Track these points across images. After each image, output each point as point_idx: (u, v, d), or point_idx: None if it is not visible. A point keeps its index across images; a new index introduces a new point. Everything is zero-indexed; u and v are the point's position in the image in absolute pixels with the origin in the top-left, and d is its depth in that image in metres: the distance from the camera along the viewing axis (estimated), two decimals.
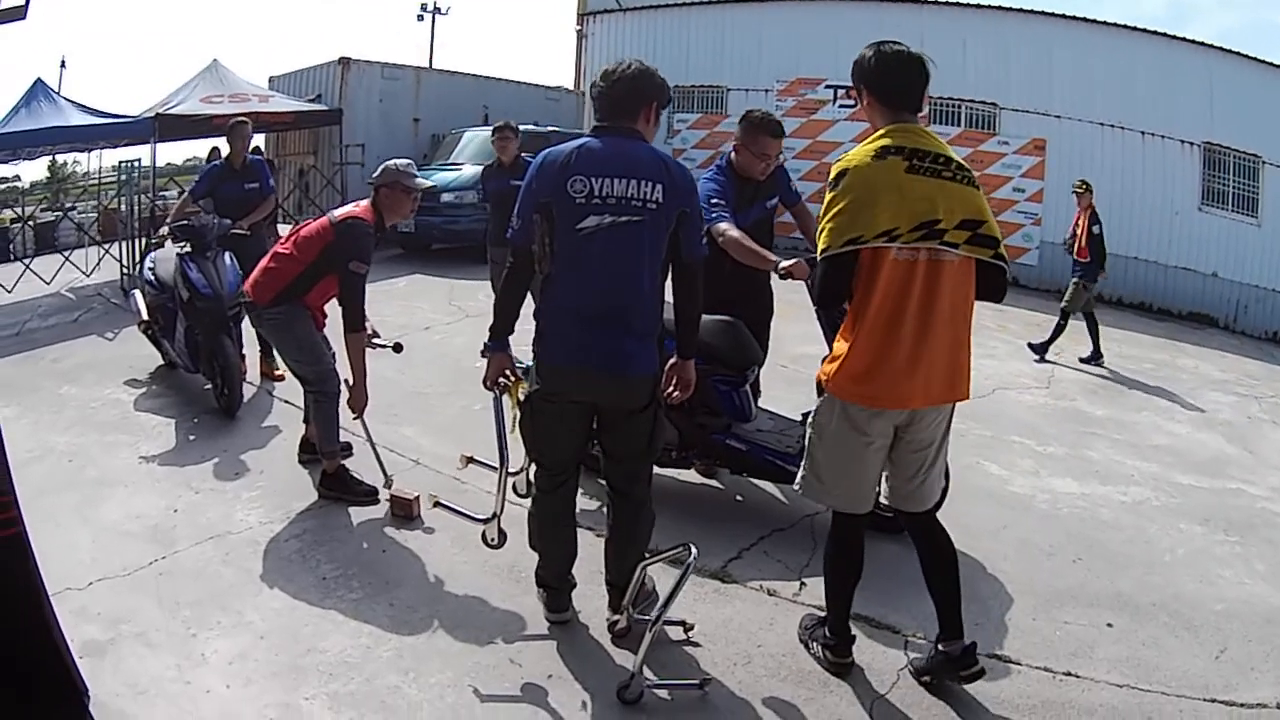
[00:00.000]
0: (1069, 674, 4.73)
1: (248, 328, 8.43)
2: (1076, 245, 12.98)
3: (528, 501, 5.14)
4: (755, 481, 6.92)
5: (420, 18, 41.67)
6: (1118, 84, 18.38)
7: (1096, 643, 5.05)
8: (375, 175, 6.63)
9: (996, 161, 20.10)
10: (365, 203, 6.59)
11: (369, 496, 6.64)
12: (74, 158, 26.37)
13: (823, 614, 4.76)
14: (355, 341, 6.34)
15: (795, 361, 9.64)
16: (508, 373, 4.93)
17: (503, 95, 23.38)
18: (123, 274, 15.01)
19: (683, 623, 4.91)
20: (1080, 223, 13.05)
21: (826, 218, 3.98)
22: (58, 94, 16.45)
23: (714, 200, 6.09)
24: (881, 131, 4.05)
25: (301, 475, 7.09)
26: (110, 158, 18.83)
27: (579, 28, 26.72)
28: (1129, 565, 6.09)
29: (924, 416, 4.19)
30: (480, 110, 22.16)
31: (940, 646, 4.46)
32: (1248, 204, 17.83)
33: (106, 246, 16.26)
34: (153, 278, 9.43)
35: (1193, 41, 18.32)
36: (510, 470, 5.49)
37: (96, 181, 19.50)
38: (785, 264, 5.56)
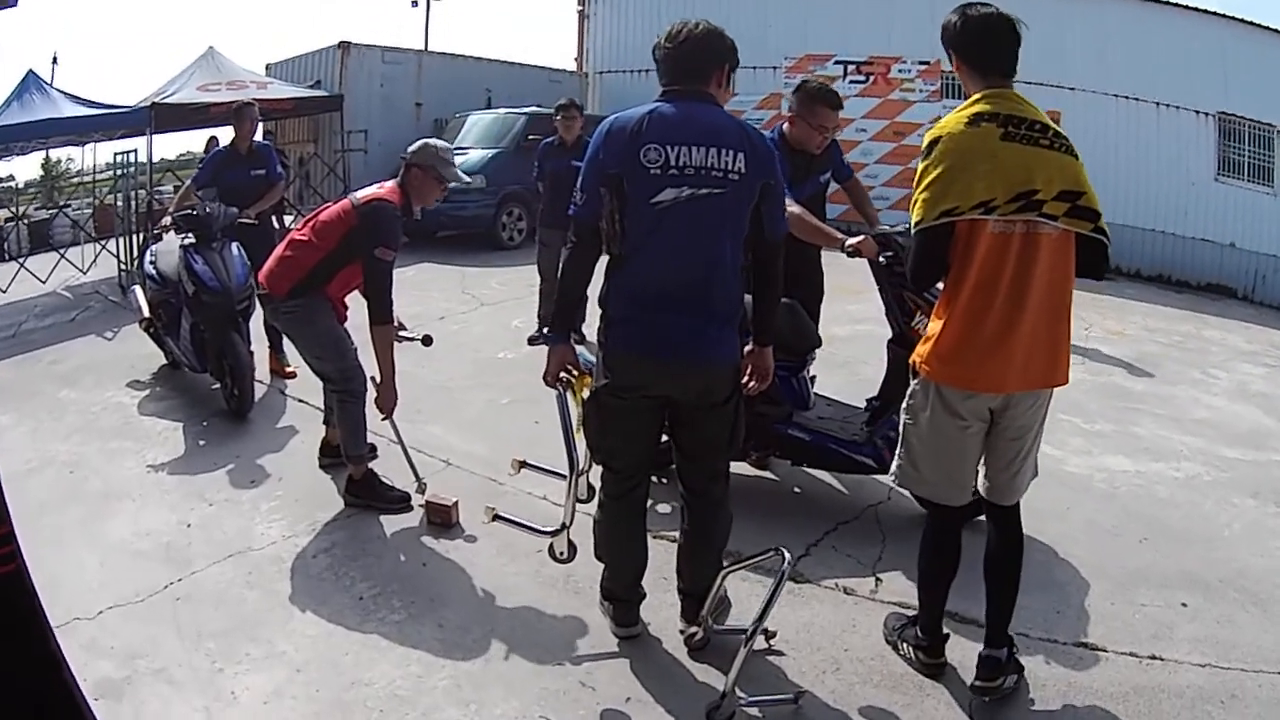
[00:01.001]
0: (1154, 657, 4.61)
1: (255, 322, 8.11)
2: None
3: (590, 506, 4.80)
4: (812, 472, 6.57)
5: (415, 3, 41.14)
6: (1132, 55, 18.14)
7: (1174, 624, 4.93)
8: (410, 151, 6.12)
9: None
10: (391, 183, 6.07)
11: (401, 503, 6.16)
12: (68, 154, 25.97)
13: (909, 612, 4.57)
14: (383, 335, 5.86)
15: (829, 343, 9.12)
16: (570, 367, 4.45)
17: (505, 78, 22.95)
18: (120, 270, 14.53)
19: (764, 630, 4.43)
20: None
21: (920, 188, 3.75)
22: (50, 86, 16.02)
23: None
24: (975, 97, 3.83)
25: (324, 481, 6.60)
26: (105, 154, 18.42)
27: (580, 8, 26.33)
28: (1192, 542, 5.95)
29: (1020, 401, 3.93)
30: (483, 93, 21.81)
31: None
32: (1264, 174, 17.64)
33: (103, 243, 15.74)
34: (154, 272, 8.94)
35: (1207, 12, 18.07)
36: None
37: (91, 178, 18.98)
38: (852, 241, 5.37)
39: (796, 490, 6.59)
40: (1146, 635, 4.78)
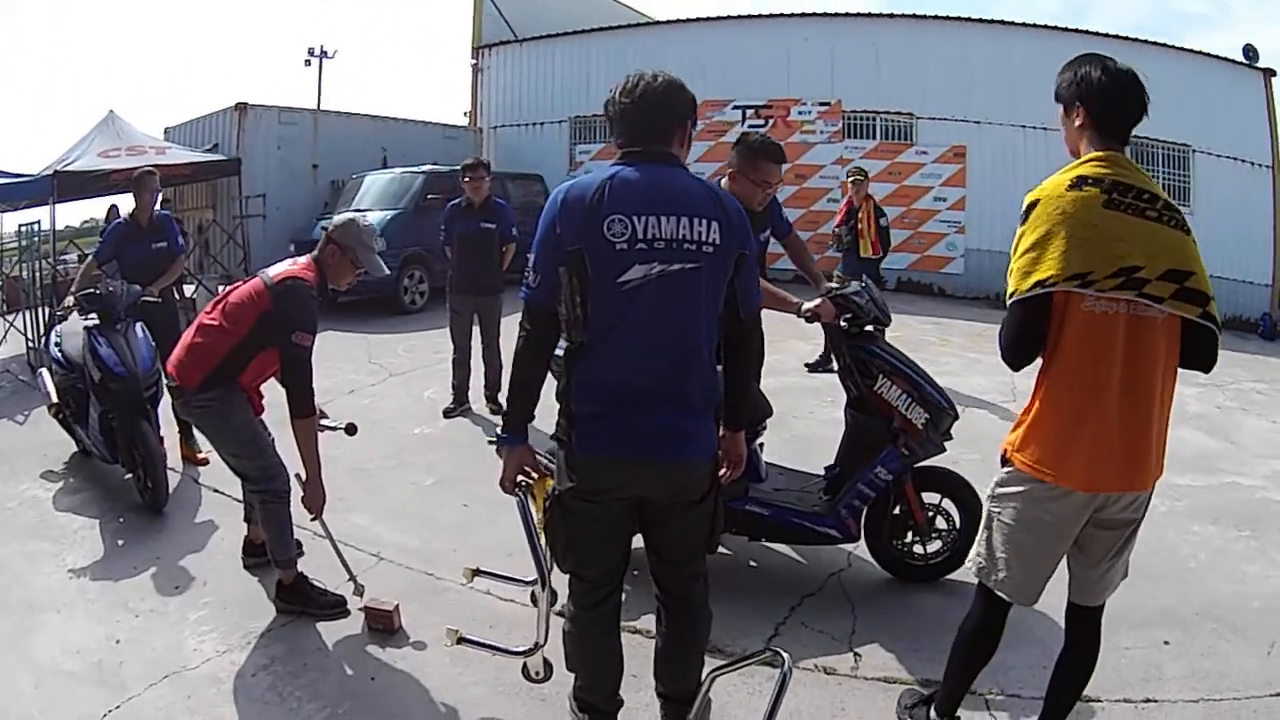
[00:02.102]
0: (1148, 700, 4.68)
1: (164, 406, 7.63)
2: (865, 242, 12.65)
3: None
4: (768, 544, 6.45)
5: (308, 63, 40.51)
6: (1037, 84, 18.01)
7: (1161, 663, 5.03)
8: (334, 225, 5.87)
9: (915, 172, 20.41)
10: (305, 259, 5.75)
11: (337, 608, 5.86)
12: None
13: (924, 690, 4.53)
14: (305, 429, 5.49)
15: None
16: (528, 469, 4.12)
17: (401, 135, 22.92)
18: (28, 348, 14.02)
19: None
20: (864, 216, 12.67)
21: (1016, 255, 3.49)
22: None
23: None
24: (1085, 158, 3.54)
25: (251, 584, 6.33)
26: (8, 224, 17.85)
27: (474, 61, 26.54)
28: (1163, 578, 6.04)
29: (1123, 498, 3.63)
30: (379, 153, 21.76)
31: None
32: (1180, 194, 18.30)
33: (10, 318, 15.08)
34: (60, 355, 8.55)
35: (1112, 36, 18.60)
36: (528, 580, 5.18)
37: None
38: (809, 305, 5.43)
39: (753, 564, 6.46)
40: (1136, 679, 4.83)
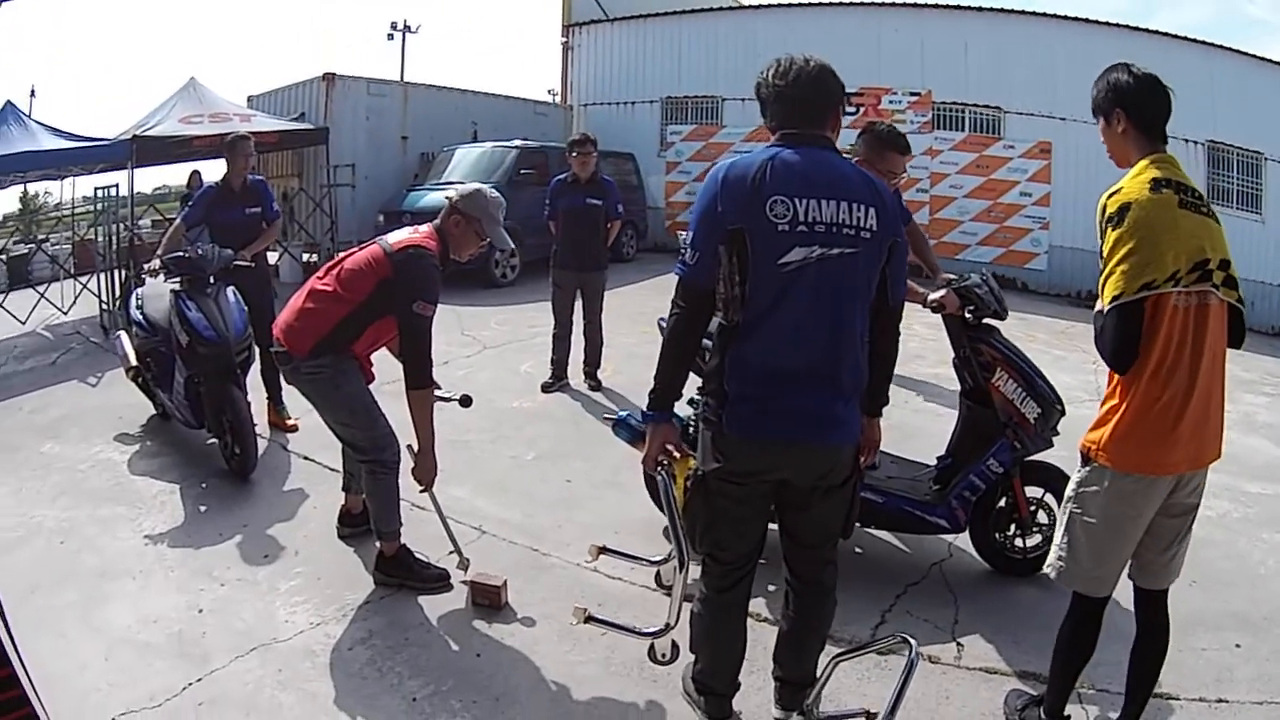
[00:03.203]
0: (1220, 700, 4.64)
1: (251, 371, 7.55)
2: None
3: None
4: (871, 531, 6.25)
5: (390, 36, 40.69)
6: None
7: (1232, 665, 4.97)
8: (460, 195, 5.54)
9: (1002, 166, 20.16)
10: (426, 228, 5.47)
11: (440, 582, 5.54)
12: (45, 188, 25.33)
13: (1031, 691, 4.46)
14: (421, 400, 5.24)
15: None
16: (671, 448, 3.95)
17: (490, 110, 22.56)
18: (101, 310, 13.85)
19: (865, 713, 4.18)
20: None
21: (1115, 259, 3.52)
22: (29, 117, 15.36)
23: None
24: (1146, 162, 3.68)
25: (347, 555, 5.96)
26: (84, 187, 17.69)
27: (564, 39, 26.11)
28: (1234, 583, 5.98)
29: (1190, 480, 3.75)
30: (469, 126, 21.45)
31: None
32: (1251, 200, 18.11)
33: (83, 280, 14.90)
34: (141, 318, 8.21)
35: (1193, 40, 18.37)
36: (654, 560, 5.10)
37: (70, 212, 18.24)
38: (935, 296, 5.44)
39: (859, 550, 6.23)
40: (1210, 679, 4.80)
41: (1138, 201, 3.51)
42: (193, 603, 5.28)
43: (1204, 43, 18.18)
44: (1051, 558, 3.96)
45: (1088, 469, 3.78)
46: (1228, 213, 17.25)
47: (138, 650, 4.79)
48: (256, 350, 5.49)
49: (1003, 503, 5.78)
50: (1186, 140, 17.72)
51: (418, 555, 5.63)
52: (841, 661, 4.10)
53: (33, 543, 6.13)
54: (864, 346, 3.71)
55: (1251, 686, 4.75)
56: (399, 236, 5.38)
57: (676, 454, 3.98)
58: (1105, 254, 3.57)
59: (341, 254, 5.62)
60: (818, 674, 4.11)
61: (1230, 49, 17.87)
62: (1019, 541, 5.85)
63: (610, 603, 5.29)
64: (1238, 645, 5.16)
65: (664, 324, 6.24)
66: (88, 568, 5.75)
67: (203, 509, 6.71)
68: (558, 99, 27.04)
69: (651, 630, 4.51)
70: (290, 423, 8.42)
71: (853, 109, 19.89)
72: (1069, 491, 3.88)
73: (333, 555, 5.95)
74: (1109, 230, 3.55)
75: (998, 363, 5.61)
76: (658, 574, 5.24)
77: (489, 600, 5.29)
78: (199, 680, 4.51)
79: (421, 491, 5.48)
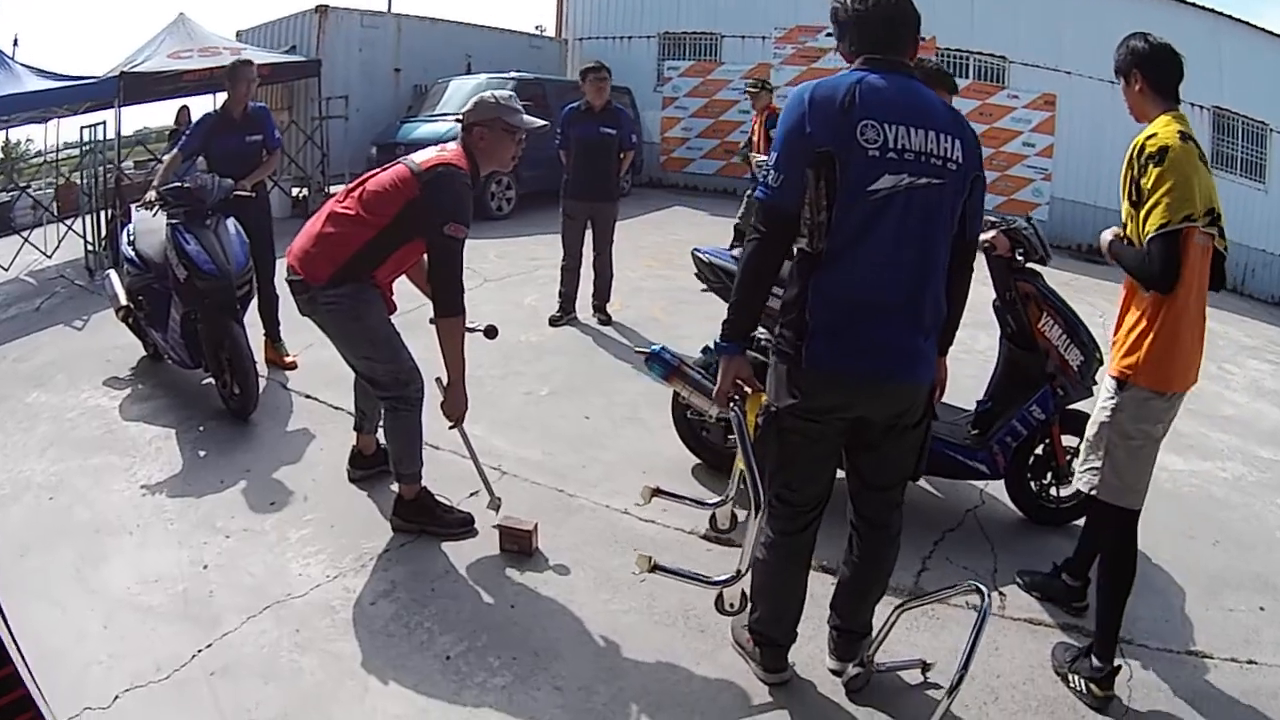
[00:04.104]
0: (1250, 661, 4.62)
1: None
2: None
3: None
4: None
5: None
6: None
7: (1259, 627, 4.95)
8: (466, 112, 5.13)
9: (1005, 115, 19.86)
10: (455, 146, 5.00)
11: (464, 527, 5.21)
12: (27, 135, 24.70)
13: (1077, 644, 4.45)
14: (451, 329, 4.84)
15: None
16: (742, 382, 3.79)
17: (484, 43, 22.24)
18: (87, 252, 13.36)
19: (921, 663, 4.15)
20: (756, 128, 12.55)
21: (1159, 192, 3.85)
22: (11, 59, 14.74)
23: None
24: (1169, 117, 4.06)
25: (360, 499, 5.58)
26: (68, 132, 17.18)
27: None
28: (1254, 545, 5.96)
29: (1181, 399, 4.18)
30: (463, 59, 21.06)
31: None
32: (1255, 169, 17.99)
33: (68, 223, 14.44)
34: (133, 254, 7.70)
35: (1201, 7, 18.24)
36: (709, 503, 4.89)
37: (55, 156, 17.75)
38: (987, 236, 5.37)
39: None
40: (1240, 640, 4.79)
41: (1174, 146, 3.85)
42: (196, 558, 4.89)
43: (1214, 11, 18.09)
44: (1087, 477, 4.20)
45: (1125, 392, 4.04)
46: (1232, 179, 17.46)
47: (140, 615, 4.40)
48: (289, 288, 4.97)
49: (1039, 450, 5.75)
50: (1192, 104, 17.33)
51: (439, 498, 5.27)
52: (906, 610, 4.01)
53: (21, 499, 5.69)
54: (944, 281, 3.62)
55: (1277, 650, 4.73)
56: (426, 155, 4.96)
57: (749, 389, 3.80)
58: (1146, 188, 3.88)
59: (363, 175, 5.18)
60: (874, 623, 4.06)
61: (1239, 20, 17.85)
62: (1053, 490, 5.82)
63: (646, 547, 4.94)
64: (1261, 608, 5.14)
65: (701, 254, 5.86)
66: (81, 524, 5.33)
67: (201, 454, 6.29)
68: (545, 33, 26.67)
69: (721, 579, 4.19)
70: (289, 360, 8.06)
71: None
72: (1102, 416, 4.12)
73: (345, 500, 5.56)
74: (1151, 167, 3.84)
75: (1044, 307, 5.52)
76: (712, 517, 4.97)
77: (519, 546, 4.96)
78: (209, 646, 4.13)
79: (451, 428, 5.11)
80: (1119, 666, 4.17)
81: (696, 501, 5.18)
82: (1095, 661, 4.17)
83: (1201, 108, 17.65)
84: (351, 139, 17.94)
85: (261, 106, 8.45)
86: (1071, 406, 5.67)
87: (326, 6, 18.48)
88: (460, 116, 5.17)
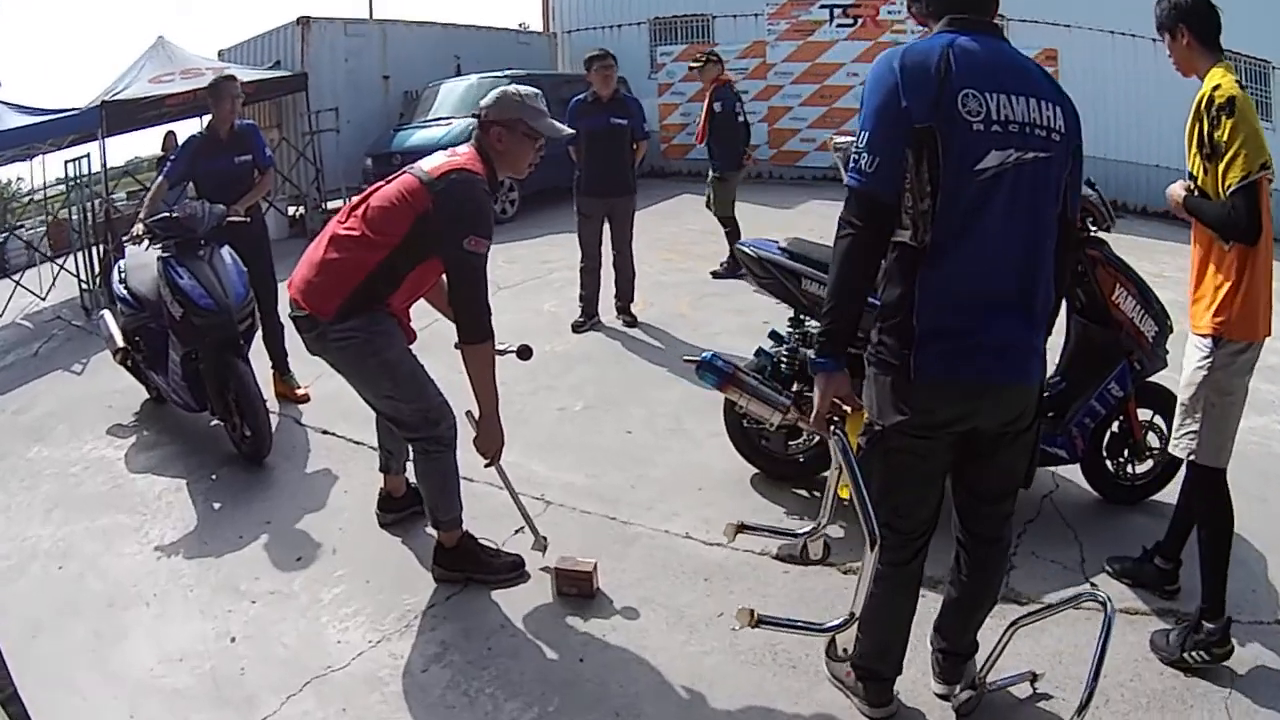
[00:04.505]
0: None
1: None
2: (700, 131, 12.00)
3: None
4: None
5: None
6: None
7: None
8: (485, 107, 4.57)
9: None
10: (466, 149, 4.49)
11: (515, 572, 4.76)
12: (17, 174, 24.56)
13: (1175, 625, 4.33)
14: (480, 356, 4.36)
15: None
16: (841, 400, 3.32)
17: (472, 42, 22.01)
18: (82, 290, 12.96)
19: (1030, 675, 3.88)
20: (704, 103, 12.04)
21: (1236, 144, 3.81)
22: None
23: None
24: (1222, 70, 4.03)
25: (394, 548, 5.12)
26: (55, 167, 16.94)
27: None
28: None
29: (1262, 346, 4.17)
30: (451, 61, 20.83)
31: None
32: (1261, 109, 17.96)
33: (60, 261, 14.14)
34: (126, 293, 7.23)
35: None
36: (799, 533, 4.37)
37: (43, 194, 17.48)
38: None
39: None
40: None
41: (1239, 96, 3.83)
42: (222, 629, 4.45)
43: None
44: (1185, 442, 4.12)
45: (1219, 350, 3.99)
46: None
47: (167, 700, 3.97)
48: (294, 325, 4.47)
49: (1115, 428, 5.53)
50: None
51: (482, 541, 4.83)
52: (1021, 627, 3.64)
53: (29, 570, 5.25)
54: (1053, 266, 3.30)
55: None
56: (435, 162, 4.45)
57: (848, 408, 3.34)
58: (1221, 140, 3.82)
59: (366, 190, 4.68)
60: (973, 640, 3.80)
61: None
62: (1129, 468, 5.60)
63: (717, 576, 4.67)
64: None
65: (748, 249, 5.43)
66: (94, 596, 4.89)
67: (216, 507, 5.84)
68: (529, 30, 26.49)
69: (834, 624, 3.75)
70: (300, 392, 7.58)
71: (850, 21, 20.19)
72: (1197, 378, 4.06)
73: (378, 549, 5.12)
74: (1224, 119, 3.80)
75: (1116, 279, 5.27)
76: (803, 547, 4.55)
77: (579, 589, 4.53)
78: None
79: (487, 465, 4.65)
80: (1229, 618, 4.07)
81: (786, 533, 4.77)
82: (1208, 625, 4.08)
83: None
84: (344, 152, 17.71)
85: (249, 124, 8.04)
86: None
87: (308, 18, 18.18)
88: (478, 111, 4.62)
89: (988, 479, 3.47)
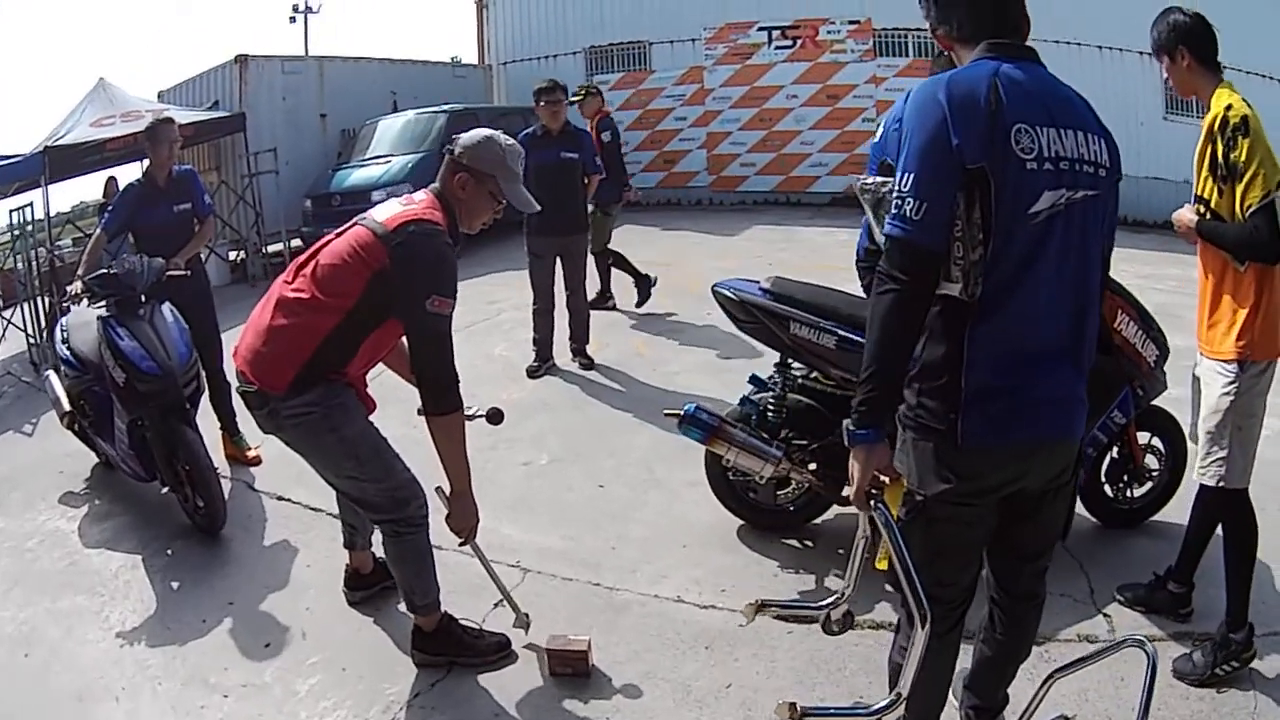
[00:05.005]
0: None
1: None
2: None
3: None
4: None
5: (293, 19, 40.28)
6: (1073, 1, 17.86)
7: None
8: (463, 147, 4.20)
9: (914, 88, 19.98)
10: (423, 195, 4.16)
11: (501, 653, 4.43)
12: None
13: (1194, 647, 4.35)
14: (448, 428, 4.05)
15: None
16: (881, 472, 2.97)
17: (408, 77, 21.89)
18: (29, 344, 12.61)
19: (1062, 718, 3.73)
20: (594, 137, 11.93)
21: (1255, 162, 3.83)
22: None
23: None
24: (1228, 89, 4.05)
25: (370, 630, 4.81)
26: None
27: None
28: None
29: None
30: (388, 97, 20.82)
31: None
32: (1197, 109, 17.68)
33: (7, 315, 13.59)
34: (69, 354, 6.83)
35: None
36: (820, 605, 4.00)
37: None
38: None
39: None
40: None
41: (1252, 115, 3.84)
42: None
43: None
44: (1213, 469, 4.14)
45: (1244, 373, 4.02)
46: (1190, 123, 17.06)
47: None
48: (243, 400, 4.11)
49: (1114, 453, 5.50)
50: (1140, 53, 17.67)
51: (462, 621, 4.52)
52: (1059, 679, 3.48)
53: None
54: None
55: None
56: (389, 212, 4.07)
57: (887, 479, 3.00)
58: (1239, 161, 3.83)
59: (316, 245, 4.28)
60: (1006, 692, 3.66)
61: None
62: (1128, 492, 5.61)
63: (718, 643, 4.48)
64: None
65: (726, 291, 5.19)
66: (62, 690, 4.55)
67: (175, 586, 5.49)
68: (462, 63, 26.78)
69: (881, 705, 3.43)
70: (251, 454, 7.23)
71: (788, 42, 20.61)
72: (1223, 405, 4.07)
73: (351, 631, 4.80)
74: (1240, 139, 3.81)
75: (1117, 305, 5.15)
76: (826, 618, 4.25)
77: (573, 668, 4.25)
78: None
79: (462, 544, 4.39)
80: (1252, 625, 4.16)
81: (809, 607, 4.43)
82: (1234, 636, 4.16)
83: (1150, 55, 17.57)
84: (284, 194, 17.45)
85: (188, 169, 7.74)
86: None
87: (246, 56, 17.93)
88: (451, 147, 4.27)
89: (1030, 537, 3.26)
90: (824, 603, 3.91)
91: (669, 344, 9.72)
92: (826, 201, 20.30)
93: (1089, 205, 2.84)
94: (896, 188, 2.77)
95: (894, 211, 2.75)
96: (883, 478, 2.99)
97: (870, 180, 3.56)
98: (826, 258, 13.09)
